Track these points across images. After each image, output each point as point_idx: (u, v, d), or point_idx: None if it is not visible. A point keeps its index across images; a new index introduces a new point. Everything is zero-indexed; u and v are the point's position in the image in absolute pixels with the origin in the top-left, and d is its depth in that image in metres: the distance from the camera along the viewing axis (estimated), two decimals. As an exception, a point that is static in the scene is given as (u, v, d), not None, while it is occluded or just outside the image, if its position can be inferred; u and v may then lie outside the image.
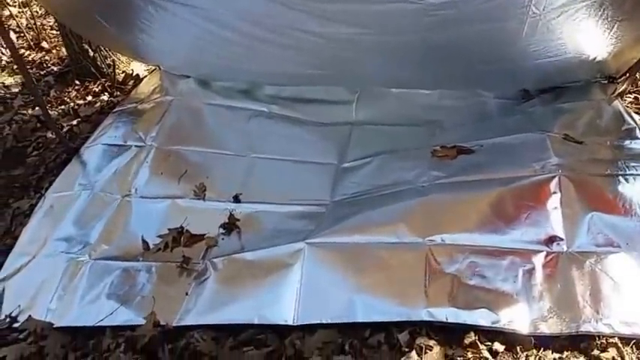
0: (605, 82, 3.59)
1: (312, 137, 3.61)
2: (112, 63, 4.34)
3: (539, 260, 2.56)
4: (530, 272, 2.52)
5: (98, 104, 4.14)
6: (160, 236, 2.96)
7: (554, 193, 2.82)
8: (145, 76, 4.26)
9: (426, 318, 2.40)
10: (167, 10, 3.17)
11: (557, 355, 2.27)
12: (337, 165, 3.39)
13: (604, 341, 2.29)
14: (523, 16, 2.76)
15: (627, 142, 3.16)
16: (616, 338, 2.28)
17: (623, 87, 3.56)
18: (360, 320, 2.44)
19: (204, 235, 2.96)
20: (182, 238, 2.95)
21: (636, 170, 2.91)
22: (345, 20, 2.95)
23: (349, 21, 2.96)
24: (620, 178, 2.88)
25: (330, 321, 2.46)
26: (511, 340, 2.32)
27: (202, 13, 3.13)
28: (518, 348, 2.30)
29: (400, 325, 2.40)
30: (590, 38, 3.03)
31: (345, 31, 3.02)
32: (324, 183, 3.25)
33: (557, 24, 2.85)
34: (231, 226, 3.02)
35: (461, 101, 3.75)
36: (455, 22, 2.81)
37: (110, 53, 4.33)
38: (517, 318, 2.37)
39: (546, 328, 2.33)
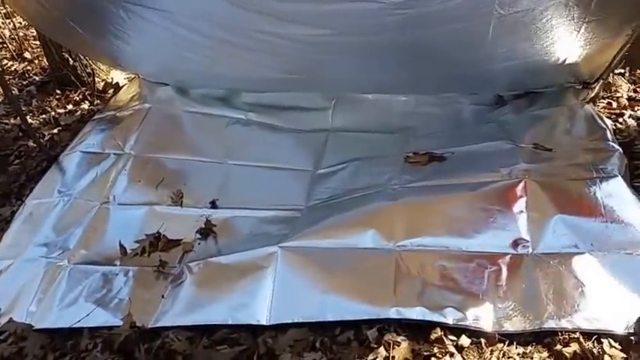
0: (579, 87, 3.67)
1: (289, 144, 3.70)
2: (92, 72, 4.43)
3: (504, 262, 2.67)
4: (497, 274, 2.63)
5: (79, 113, 4.23)
6: (137, 241, 3.04)
7: (521, 197, 2.92)
8: (125, 85, 4.33)
9: (395, 316, 2.49)
10: (137, 15, 3.23)
11: (521, 350, 2.36)
12: (313, 171, 3.48)
13: (567, 336, 2.37)
14: (488, 16, 2.82)
15: (597, 146, 3.24)
16: (578, 333, 2.37)
17: (595, 92, 3.65)
18: (331, 319, 2.53)
19: (181, 240, 3.04)
20: (159, 244, 3.04)
21: (604, 172, 3.00)
22: (303, 21, 3.01)
23: (307, 22, 3.03)
24: (588, 181, 2.96)
25: (301, 320, 2.55)
26: (476, 335, 2.42)
27: (170, 16, 3.20)
28: (483, 343, 2.39)
29: (369, 323, 2.49)
30: (558, 40, 3.10)
31: (308, 32, 3.10)
32: (300, 189, 3.34)
33: (523, 25, 2.91)
34: (207, 231, 3.10)
35: (437, 108, 3.83)
36: (418, 23, 2.87)
37: (90, 62, 4.41)
38: (483, 316, 2.47)
39: (510, 326, 2.43)
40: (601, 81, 3.64)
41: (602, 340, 2.36)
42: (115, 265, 2.94)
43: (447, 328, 2.45)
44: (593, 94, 3.64)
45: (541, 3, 2.76)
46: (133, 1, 3.12)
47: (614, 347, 2.33)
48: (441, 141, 3.51)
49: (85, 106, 4.30)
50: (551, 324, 2.42)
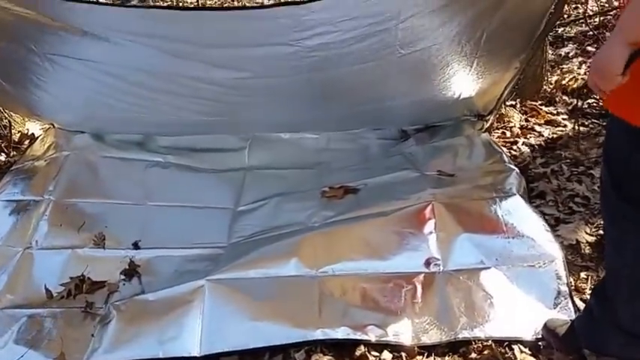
0: (475, 119, 3.95)
1: (208, 183, 3.77)
2: (7, 124, 4.37)
3: (419, 281, 2.84)
4: (412, 292, 2.79)
5: None
6: (62, 284, 3.04)
7: (430, 219, 3.11)
8: (40, 135, 4.31)
9: (320, 337, 2.61)
10: (62, 66, 3.27)
11: None
12: (233, 209, 3.54)
13: (480, 345, 2.55)
14: (391, 56, 3.00)
15: (495, 168, 3.50)
16: (490, 341, 2.55)
17: (490, 122, 3.94)
18: (260, 345, 2.62)
19: (106, 281, 3.06)
20: (84, 286, 3.02)
21: (503, 192, 3.25)
22: (229, 65, 3.12)
23: (230, 65, 3.15)
24: (489, 200, 3.19)
25: (232, 349, 2.61)
26: (397, 349, 2.56)
27: (97, 66, 3.25)
28: (404, 356, 2.53)
29: (297, 346, 2.59)
30: (454, 75, 3.33)
31: (233, 75, 3.21)
32: (221, 226, 3.40)
33: (422, 63, 3.12)
34: (131, 271, 3.12)
35: (347, 144, 4.00)
36: (329, 64, 3.04)
37: (6, 114, 4.35)
38: (402, 332, 2.62)
39: (427, 339, 2.60)
40: (494, 113, 3.92)
41: (512, 346, 2.53)
42: (43, 308, 2.93)
43: (370, 345, 2.57)
44: (488, 125, 3.92)
45: (436, 41, 2.97)
46: (59, 52, 3.16)
47: (525, 352, 2.51)
48: (353, 174, 3.66)
49: (2, 157, 4.23)
50: (465, 334, 2.60)
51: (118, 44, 2.99)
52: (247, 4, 6.54)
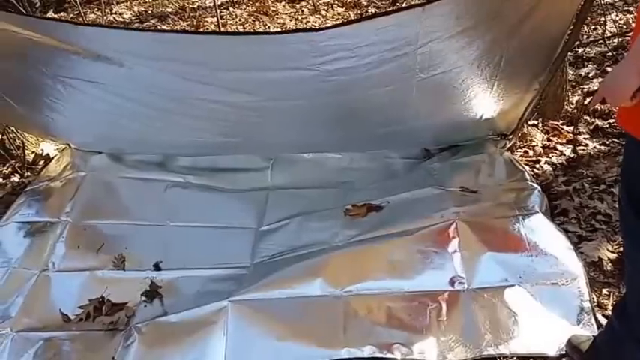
0: (498, 138, 4.07)
1: (230, 203, 3.87)
2: (21, 145, 4.46)
3: (444, 299, 2.97)
4: (437, 310, 2.93)
5: (9, 186, 4.26)
6: (81, 307, 3.13)
7: (454, 237, 3.24)
8: (56, 156, 4.41)
9: (346, 356, 2.74)
10: (76, 88, 3.35)
11: (464, 377, 2.66)
12: (256, 229, 3.65)
13: (504, 361, 2.69)
14: (411, 79, 3.08)
15: (517, 186, 3.63)
16: (515, 358, 2.70)
17: (512, 142, 4.08)
18: (285, 365, 2.74)
19: (126, 303, 3.16)
20: (103, 308, 3.11)
21: (525, 210, 3.38)
22: (244, 89, 3.22)
23: (249, 89, 3.23)
24: (512, 218, 3.32)
25: (257, 370, 2.74)
26: (423, 367, 2.69)
27: (111, 89, 3.33)
28: (429, 374, 2.67)
29: (323, 365, 2.73)
30: (475, 98, 3.43)
31: (249, 98, 3.29)
32: (244, 246, 3.51)
33: (442, 86, 3.22)
34: (153, 293, 3.22)
35: (370, 163, 4.13)
36: (349, 87, 3.13)
37: (19, 134, 4.45)
38: (427, 350, 2.76)
39: (453, 356, 2.73)
40: (517, 132, 4.06)
41: (536, 362, 2.67)
42: (61, 331, 3.03)
43: (396, 363, 2.71)
44: (510, 144, 4.07)
45: (457, 65, 3.07)
46: (71, 75, 3.24)
47: (548, 368, 2.65)
48: (376, 192, 3.79)
49: (16, 179, 4.35)
50: (490, 351, 2.74)
51: (132, 67, 3.07)
52: (270, 30, 6.72)
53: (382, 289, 3.06)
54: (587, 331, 2.75)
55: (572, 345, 2.66)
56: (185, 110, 3.50)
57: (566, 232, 3.32)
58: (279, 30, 6.34)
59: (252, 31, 6.71)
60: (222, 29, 6.50)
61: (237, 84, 3.17)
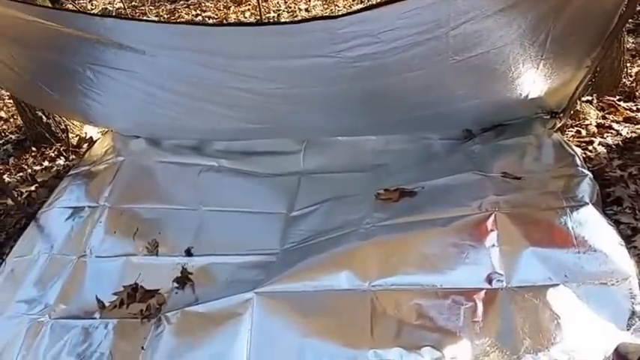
0: (547, 117, 3.67)
1: (262, 188, 3.72)
2: (65, 128, 4.46)
3: (479, 298, 2.68)
4: (472, 309, 2.64)
5: (55, 169, 4.27)
6: (115, 294, 3.08)
7: (492, 230, 2.91)
8: (98, 139, 4.36)
9: (372, 358, 2.53)
10: (104, 74, 3.26)
11: (499, 385, 2.37)
12: (286, 214, 3.50)
13: (545, 370, 2.37)
14: (443, 63, 2.82)
15: (567, 172, 3.24)
16: (555, 367, 2.38)
17: (563, 121, 3.66)
18: (309, 364, 2.56)
19: (158, 290, 3.09)
20: (137, 295, 3.06)
21: (574, 201, 3.00)
22: (268, 77, 3.03)
23: (272, 77, 3.03)
24: (558, 210, 2.95)
25: (281, 366, 2.57)
26: (455, 372, 2.42)
27: (138, 76, 3.22)
28: (461, 380, 2.39)
29: (348, 366, 2.51)
30: (518, 77, 3.10)
31: (273, 86, 3.12)
32: (274, 232, 3.36)
33: (480, 67, 2.92)
34: (184, 279, 3.13)
35: (407, 144, 3.85)
36: (378, 72, 2.89)
37: (63, 118, 4.44)
38: (460, 354, 2.49)
39: (488, 362, 2.44)
40: (568, 111, 3.64)
41: (580, 371, 2.35)
42: (95, 319, 2.99)
43: (426, 368, 2.45)
44: (561, 124, 3.65)
45: (495, 46, 2.77)
46: (99, 62, 3.14)
47: (593, 379, 2.32)
48: (411, 176, 3.50)
49: (61, 161, 4.34)
50: (528, 358, 2.43)
51: (154, 56, 2.94)
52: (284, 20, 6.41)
53: (413, 285, 2.79)
54: (637, 338, 2.42)
55: (619, 354, 2.33)
56: (210, 97, 3.36)
57: (618, 223, 2.94)
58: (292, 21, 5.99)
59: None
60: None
61: (263, 72, 3.01)
